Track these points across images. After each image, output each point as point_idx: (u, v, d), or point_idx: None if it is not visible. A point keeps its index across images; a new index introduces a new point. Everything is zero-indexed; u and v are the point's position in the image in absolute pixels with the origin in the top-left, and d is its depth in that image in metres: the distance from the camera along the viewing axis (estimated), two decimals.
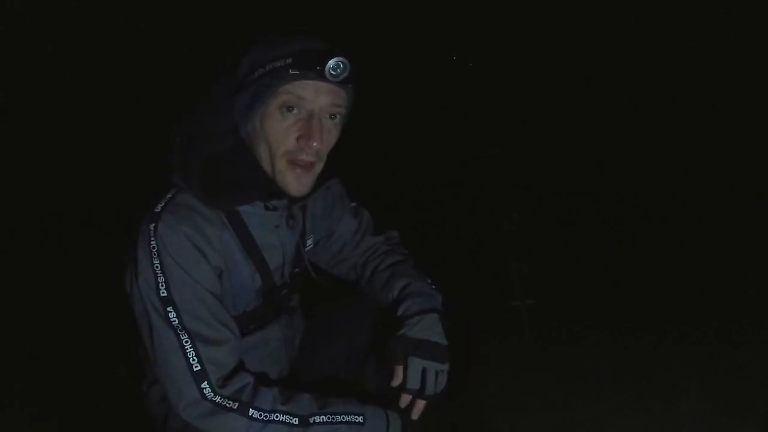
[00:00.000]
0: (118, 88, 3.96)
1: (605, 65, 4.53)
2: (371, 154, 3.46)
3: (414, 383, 1.14)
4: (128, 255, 1.08)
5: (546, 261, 3.11)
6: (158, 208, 1.06)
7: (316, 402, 1.09)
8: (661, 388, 2.05)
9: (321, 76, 1.02)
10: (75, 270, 2.97)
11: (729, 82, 4.31)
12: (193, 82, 1.19)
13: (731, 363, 2.18)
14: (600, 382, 2.12)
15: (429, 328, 1.18)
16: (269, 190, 1.12)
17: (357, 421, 1.09)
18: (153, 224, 1.04)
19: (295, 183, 1.10)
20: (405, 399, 1.14)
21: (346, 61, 1.02)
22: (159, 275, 1.03)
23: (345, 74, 1.03)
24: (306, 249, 1.30)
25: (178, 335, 1.03)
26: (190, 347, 1.03)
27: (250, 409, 1.03)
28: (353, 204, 1.42)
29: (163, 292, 1.03)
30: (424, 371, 1.14)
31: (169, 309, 1.03)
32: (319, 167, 1.12)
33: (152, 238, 1.04)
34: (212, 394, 1.03)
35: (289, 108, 1.05)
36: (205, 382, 1.03)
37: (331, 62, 1.01)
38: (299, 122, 1.06)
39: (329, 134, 1.10)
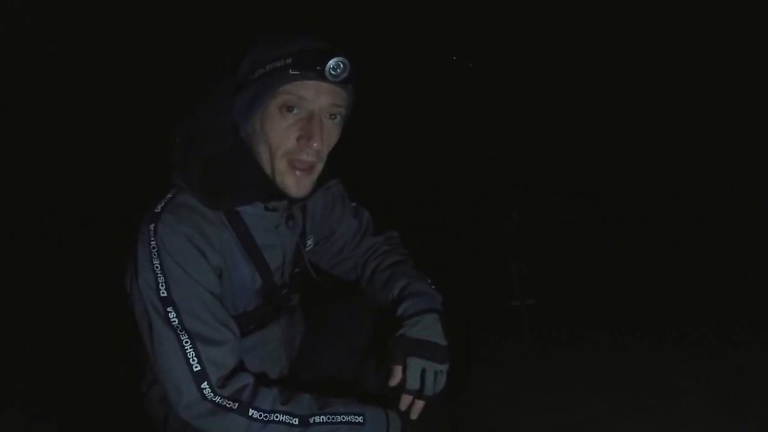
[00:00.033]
0: (118, 88, 3.96)
1: (605, 65, 4.53)
2: (371, 154, 3.46)
3: (413, 383, 1.14)
4: (128, 255, 1.08)
5: (546, 261, 3.11)
6: (158, 209, 1.06)
7: (316, 402, 1.09)
8: (661, 388, 2.05)
9: (321, 76, 1.02)
10: (75, 270, 2.97)
11: (729, 82, 4.31)
12: (193, 82, 1.19)
13: (731, 363, 2.18)
14: (600, 382, 2.12)
15: (428, 329, 1.18)
16: (269, 190, 1.12)
17: (357, 421, 1.09)
18: (153, 224, 1.04)
19: (295, 185, 1.10)
20: (405, 400, 1.14)
21: (347, 61, 1.02)
22: (159, 275, 1.03)
23: (345, 74, 1.03)
24: (306, 249, 1.30)
25: (177, 335, 1.03)
26: (190, 347, 1.03)
27: (250, 410, 1.03)
28: (353, 204, 1.42)
29: (163, 293, 1.03)
30: (423, 371, 1.14)
31: (169, 309, 1.03)
32: (319, 168, 1.12)
33: (152, 238, 1.04)
34: (212, 394, 1.03)
35: (290, 108, 1.05)
36: (205, 383, 1.02)
37: (332, 62, 1.01)
38: (299, 122, 1.06)
39: (330, 134, 1.10)
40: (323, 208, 1.34)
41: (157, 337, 1.04)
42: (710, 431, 1.81)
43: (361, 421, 1.09)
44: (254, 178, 1.11)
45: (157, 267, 1.03)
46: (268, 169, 1.10)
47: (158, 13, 3.96)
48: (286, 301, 1.32)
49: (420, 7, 4.40)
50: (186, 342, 1.03)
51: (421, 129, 4.51)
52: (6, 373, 2.24)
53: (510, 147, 3.63)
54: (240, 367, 1.09)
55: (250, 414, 1.03)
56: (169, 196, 1.09)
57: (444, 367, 1.17)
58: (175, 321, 1.03)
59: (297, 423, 1.05)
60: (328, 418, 1.07)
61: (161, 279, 1.03)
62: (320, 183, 1.15)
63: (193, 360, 1.02)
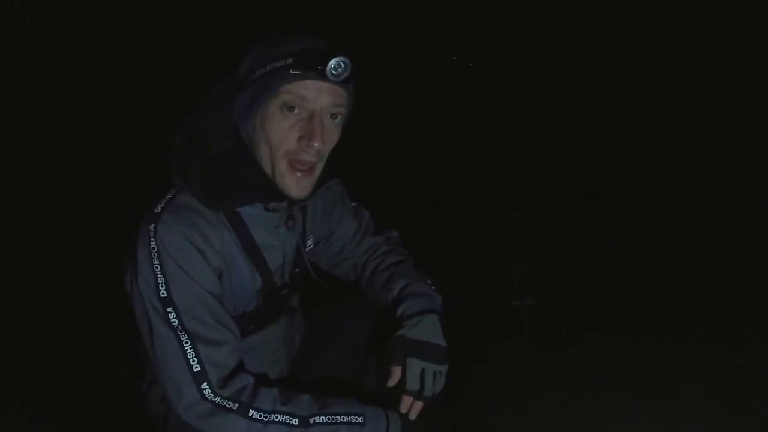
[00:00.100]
0: (118, 88, 3.96)
1: (605, 65, 4.54)
2: (371, 154, 3.46)
3: (413, 384, 1.13)
4: (128, 255, 1.08)
5: (546, 261, 3.11)
6: (158, 209, 1.06)
7: (316, 402, 1.09)
8: (661, 388, 2.05)
9: (322, 75, 1.02)
10: (75, 270, 2.97)
11: (729, 82, 4.31)
12: (193, 82, 1.19)
13: (731, 363, 2.18)
14: (600, 382, 2.12)
15: (428, 329, 1.18)
16: (269, 191, 1.12)
17: (357, 421, 1.08)
18: (153, 225, 1.04)
19: (296, 186, 1.09)
20: (406, 402, 1.14)
21: (348, 61, 1.02)
22: (159, 276, 1.03)
23: (346, 74, 1.03)
24: (306, 249, 1.30)
25: (177, 336, 1.03)
26: (190, 348, 1.03)
27: (250, 410, 1.03)
28: (353, 204, 1.41)
29: (162, 293, 1.03)
30: (422, 372, 1.14)
31: (168, 310, 1.03)
32: (319, 168, 1.12)
33: (152, 239, 1.03)
34: (212, 394, 1.03)
35: (290, 108, 1.05)
36: (205, 383, 1.02)
37: (333, 62, 1.01)
38: (300, 122, 1.06)
39: (330, 134, 1.10)
40: (323, 208, 1.34)
41: (157, 338, 1.04)
42: (710, 431, 1.81)
43: (361, 421, 1.09)
44: (254, 178, 1.10)
45: (156, 267, 1.03)
46: (268, 170, 1.10)
47: (158, 13, 3.96)
48: (286, 302, 1.32)
49: (420, 7, 4.40)
50: (186, 342, 1.03)
51: (421, 129, 4.51)
52: (6, 373, 2.24)
53: (510, 147, 3.64)
54: (240, 368, 1.09)
55: (250, 414, 1.03)
56: (169, 196, 1.08)
57: (443, 368, 1.16)
58: (175, 321, 1.03)
59: (297, 423, 1.05)
60: (328, 419, 1.07)
61: (161, 279, 1.03)
62: (320, 183, 1.15)
63: (193, 360, 1.02)
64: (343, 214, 1.38)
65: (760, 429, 1.78)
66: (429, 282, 1.32)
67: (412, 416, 1.15)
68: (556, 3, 4.44)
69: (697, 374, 2.11)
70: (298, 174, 1.09)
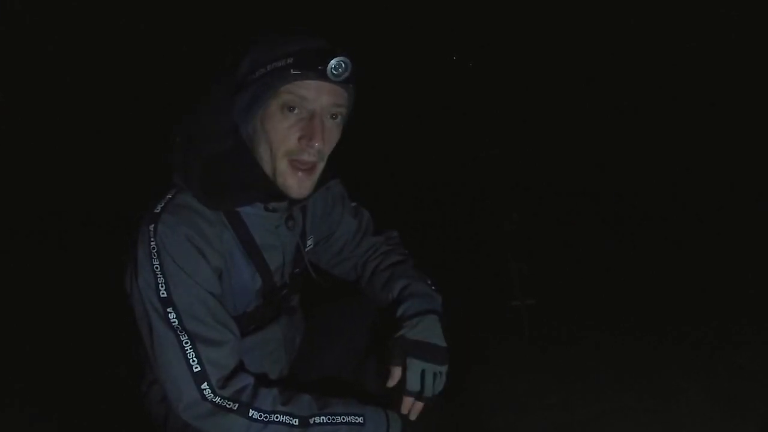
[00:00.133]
0: (118, 88, 3.96)
1: (605, 65, 4.54)
2: (371, 154, 3.46)
3: (414, 385, 1.13)
4: (128, 255, 1.08)
5: (546, 261, 3.11)
6: (158, 209, 1.06)
7: (317, 402, 1.09)
8: (661, 388, 2.05)
9: (323, 75, 1.02)
10: (75, 270, 2.97)
11: (729, 82, 4.32)
12: (193, 82, 1.19)
13: (731, 363, 2.18)
14: (600, 382, 2.12)
15: (428, 330, 1.18)
16: (269, 191, 1.12)
17: (357, 421, 1.09)
18: (153, 225, 1.04)
19: (296, 186, 1.09)
20: (407, 403, 1.14)
21: (348, 61, 1.02)
22: (159, 276, 1.03)
23: (346, 74, 1.03)
24: (306, 249, 1.30)
25: (177, 336, 1.03)
26: (190, 348, 1.03)
27: (251, 410, 1.03)
28: (353, 204, 1.41)
29: (162, 293, 1.03)
30: (423, 373, 1.14)
31: (168, 310, 1.03)
32: (320, 168, 1.12)
33: (152, 239, 1.03)
34: (212, 395, 1.02)
35: (291, 108, 1.05)
36: (205, 383, 1.02)
37: (333, 62, 1.01)
38: (301, 122, 1.06)
39: (331, 134, 1.10)
40: (323, 208, 1.34)
41: (157, 338, 1.04)
42: (710, 431, 1.81)
43: (362, 421, 1.09)
44: (254, 178, 1.10)
45: (156, 267, 1.03)
46: (268, 170, 1.10)
47: (158, 13, 3.96)
48: (286, 302, 1.32)
49: (420, 7, 4.40)
50: (186, 343, 1.03)
51: (421, 129, 4.51)
52: (6, 373, 2.24)
53: (510, 147, 3.63)
54: (240, 368, 1.09)
55: (250, 414, 1.03)
56: (169, 196, 1.08)
57: (443, 369, 1.17)
58: (175, 322, 1.03)
59: (297, 423, 1.05)
60: (328, 419, 1.07)
61: (161, 279, 1.03)
62: (320, 183, 1.15)
63: (193, 361, 1.02)
64: (343, 214, 1.38)
65: (760, 429, 1.78)
66: (429, 282, 1.32)
67: (413, 417, 1.15)
68: (556, 3, 4.44)
69: (697, 374, 2.11)
70: (300, 173, 1.09)
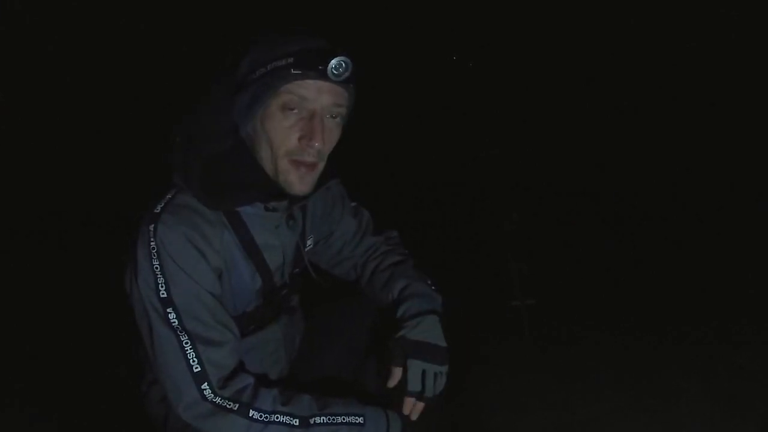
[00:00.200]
0: (118, 88, 3.96)
1: (605, 65, 4.54)
2: (371, 154, 3.46)
3: (415, 385, 1.13)
4: (128, 255, 1.08)
5: (546, 261, 3.11)
6: (158, 209, 1.06)
7: (317, 403, 1.09)
8: (661, 388, 2.05)
9: (323, 75, 1.02)
10: (75, 270, 2.97)
11: (729, 82, 4.32)
12: (193, 82, 1.19)
13: (731, 363, 2.18)
14: (600, 382, 2.12)
15: (428, 330, 1.18)
16: (269, 191, 1.12)
17: (357, 422, 1.09)
18: (153, 225, 1.04)
19: (298, 182, 1.09)
20: (408, 403, 1.14)
21: (348, 61, 1.02)
22: (158, 276, 1.03)
23: (347, 74, 1.03)
24: (306, 249, 1.30)
25: (177, 336, 1.03)
26: (190, 348, 1.03)
27: (251, 410, 1.03)
28: (353, 204, 1.41)
29: (162, 293, 1.03)
30: (423, 373, 1.14)
31: (168, 310, 1.03)
32: (321, 167, 1.12)
33: (152, 239, 1.03)
34: (212, 395, 1.03)
35: (291, 108, 1.05)
36: (206, 383, 1.02)
37: (333, 62, 1.01)
38: (301, 122, 1.06)
39: (331, 134, 1.10)
40: (323, 208, 1.34)
41: (157, 338, 1.04)
42: (710, 431, 1.81)
43: (362, 421, 1.09)
44: (254, 178, 1.10)
45: (156, 268, 1.03)
46: (269, 169, 1.10)
47: (158, 13, 3.96)
48: (286, 302, 1.32)
49: (420, 7, 4.40)
50: (186, 343, 1.03)
51: (421, 129, 4.51)
52: (6, 373, 2.24)
53: (510, 147, 3.63)
54: (240, 368, 1.09)
55: (250, 415, 1.03)
56: (169, 196, 1.08)
57: (444, 369, 1.17)
58: (175, 322, 1.03)
59: (297, 424, 1.05)
60: (329, 419, 1.07)
61: (161, 280, 1.03)
62: (320, 183, 1.15)
63: (193, 361, 1.02)
64: (343, 214, 1.38)
65: (760, 429, 1.78)
66: (429, 282, 1.32)
67: (414, 417, 1.15)
68: (556, 3, 4.44)
69: (697, 374, 2.11)
70: (302, 169, 1.08)
